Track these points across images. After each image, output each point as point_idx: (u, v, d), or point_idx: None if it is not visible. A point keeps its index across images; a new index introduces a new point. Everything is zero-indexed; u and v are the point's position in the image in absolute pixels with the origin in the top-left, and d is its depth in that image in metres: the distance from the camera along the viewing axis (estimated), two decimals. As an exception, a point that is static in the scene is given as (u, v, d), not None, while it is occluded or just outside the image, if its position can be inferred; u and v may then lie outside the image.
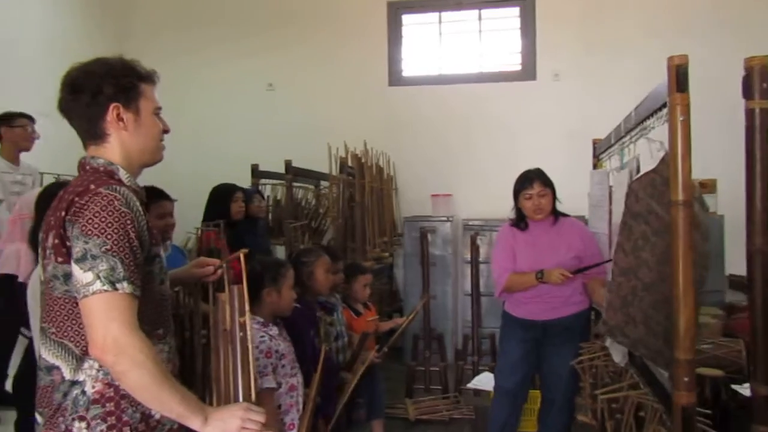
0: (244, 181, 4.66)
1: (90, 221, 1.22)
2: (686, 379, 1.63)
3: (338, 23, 6.15)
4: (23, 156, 3.47)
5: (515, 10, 5.99)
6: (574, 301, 2.95)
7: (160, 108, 1.47)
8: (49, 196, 2.57)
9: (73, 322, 1.26)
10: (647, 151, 1.95)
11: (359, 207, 4.45)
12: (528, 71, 5.95)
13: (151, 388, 1.22)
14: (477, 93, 5.96)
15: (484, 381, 3.92)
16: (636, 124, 2.19)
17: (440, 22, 6.15)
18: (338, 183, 4.27)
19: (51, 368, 1.28)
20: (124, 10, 6.41)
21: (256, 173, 4.69)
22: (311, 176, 4.88)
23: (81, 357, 1.26)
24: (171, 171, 5.70)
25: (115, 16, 6.33)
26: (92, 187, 1.27)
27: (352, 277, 3.33)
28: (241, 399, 1.43)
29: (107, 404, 1.27)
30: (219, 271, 1.66)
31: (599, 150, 3.32)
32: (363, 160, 4.63)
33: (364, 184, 4.51)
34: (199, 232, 3.17)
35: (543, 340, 3.01)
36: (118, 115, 1.37)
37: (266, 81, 6.27)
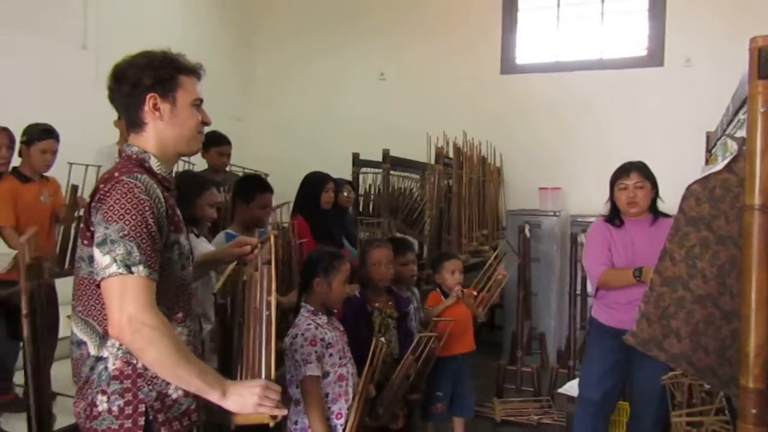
0: (346, 170, 4.77)
1: (111, 208, 1.29)
2: (754, 411, 1.41)
3: (451, 11, 6.05)
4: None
5: (643, -9, 5.52)
6: (668, 310, 2.67)
7: (200, 100, 1.51)
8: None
9: (96, 302, 1.34)
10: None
11: (456, 198, 4.36)
12: (655, 56, 5.48)
13: (167, 363, 1.27)
14: (596, 80, 5.60)
15: (576, 387, 3.70)
16: (733, 115, 1.93)
17: (558, 5, 5.83)
18: (434, 174, 4.21)
19: (80, 343, 1.38)
20: (250, 5, 6.78)
21: (357, 162, 4.75)
22: (409, 166, 4.86)
23: (103, 335, 1.34)
24: (277, 157, 6.08)
25: (241, 11, 6.72)
26: (116, 174, 1.34)
27: (439, 265, 3.28)
28: (263, 376, 1.44)
29: (125, 381, 1.34)
30: (256, 251, 1.69)
31: (711, 142, 2.97)
32: (463, 150, 4.52)
33: (461, 175, 4.40)
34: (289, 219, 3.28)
35: (633, 351, 2.75)
36: (154, 104, 1.43)
37: (378, 71, 6.34)
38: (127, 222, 1.28)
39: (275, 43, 6.72)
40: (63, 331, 3.42)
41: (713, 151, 2.90)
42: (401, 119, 5.94)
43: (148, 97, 1.43)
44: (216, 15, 6.33)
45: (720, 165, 1.57)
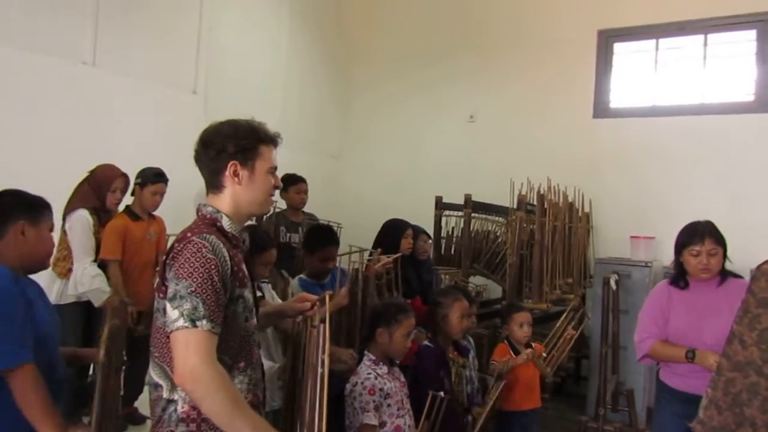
0: (430, 211, 4.85)
1: (181, 266, 1.44)
2: None
3: (545, 54, 6.03)
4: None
5: (750, 33, 5.25)
6: (745, 377, 2.50)
7: (275, 167, 1.65)
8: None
9: (170, 350, 1.47)
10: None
11: (538, 246, 4.31)
12: (763, 102, 5.17)
13: (223, 414, 1.38)
14: (696, 126, 5.35)
15: (661, 453, 3.48)
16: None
17: (657, 49, 5.66)
18: (516, 220, 4.20)
19: (156, 385, 1.53)
20: (348, 49, 7.10)
21: (440, 205, 4.81)
22: (492, 210, 4.86)
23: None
24: (367, 195, 6.25)
25: (340, 56, 7.05)
26: (188, 235, 1.49)
27: (508, 316, 3.26)
28: (315, 429, 1.52)
29: (191, 424, 1.47)
30: (315, 308, 1.80)
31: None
32: (547, 197, 4.47)
33: (544, 222, 4.35)
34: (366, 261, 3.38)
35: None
36: (234, 171, 1.57)
37: (468, 113, 6.40)
38: (194, 279, 1.41)
39: (371, 86, 6.97)
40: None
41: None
42: (488, 162, 5.96)
43: (229, 164, 1.57)
44: (317, 58, 6.69)
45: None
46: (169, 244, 3.31)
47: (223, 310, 1.47)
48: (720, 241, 2.62)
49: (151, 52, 4.83)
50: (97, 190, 3.30)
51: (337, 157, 6.90)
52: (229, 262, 1.50)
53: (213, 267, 1.44)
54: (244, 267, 1.59)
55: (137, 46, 4.70)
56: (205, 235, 1.49)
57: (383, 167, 6.64)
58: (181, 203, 3.65)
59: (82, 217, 3.20)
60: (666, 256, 5.21)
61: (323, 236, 2.97)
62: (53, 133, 4.02)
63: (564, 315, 3.52)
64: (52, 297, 3.11)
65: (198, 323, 1.39)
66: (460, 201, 4.79)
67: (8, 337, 1.61)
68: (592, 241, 5.63)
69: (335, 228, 3.41)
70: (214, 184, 1.61)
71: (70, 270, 3.18)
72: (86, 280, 3.12)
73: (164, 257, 1.53)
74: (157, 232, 3.52)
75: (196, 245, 1.45)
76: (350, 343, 2.49)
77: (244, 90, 5.62)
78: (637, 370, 5.07)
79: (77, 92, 4.22)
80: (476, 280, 4.96)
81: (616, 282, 4.59)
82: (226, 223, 1.58)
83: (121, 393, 3.31)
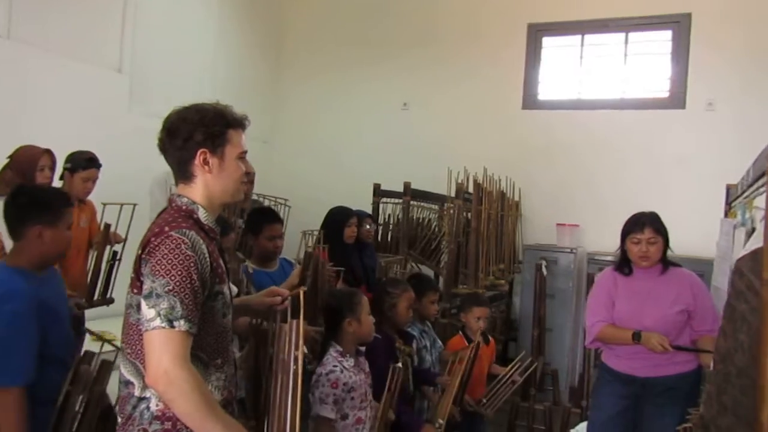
0: (367, 198, 4.86)
1: (159, 262, 1.37)
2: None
3: (476, 45, 6.14)
4: None
5: (667, 34, 5.59)
6: (680, 359, 2.71)
7: (245, 152, 1.59)
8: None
9: (143, 347, 1.40)
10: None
11: (474, 233, 4.42)
12: (677, 99, 5.53)
13: (195, 416, 1.34)
14: (617, 120, 5.65)
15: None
16: (755, 178, 1.98)
17: (582, 44, 5.91)
18: (453, 208, 4.28)
19: (127, 383, 1.46)
20: (280, 31, 6.94)
21: (378, 192, 4.83)
22: (429, 198, 4.94)
23: None
24: (300, 180, 6.16)
25: (271, 37, 6.88)
26: (166, 229, 1.42)
27: (468, 308, 3.34)
28: (287, 428, 1.50)
29: (166, 422, 1.41)
30: (286, 302, 1.76)
31: (732, 196, 3.01)
32: (483, 186, 4.59)
33: (480, 210, 4.47)
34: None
35: (643, 398, 2.80)
36: (204, 159, 1.51)
37: (402, 100, 6.44)
38: (172, 277, 1.35)
39: (304, 70, 6.84)
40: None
41: (733, 205, 2.93)
42: (423, 149, 6.02)
43: (198, 152, 1.50)
44: (249, 40, 6.49)
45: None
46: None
47: (201, 308, 1.41)
48: (660, 230, 2.78)
49: (71, 25, 4.50)
50: (23, 173, 3.03)
51: (267, 141, 6.75)
52: (208, 258, 1.44)
53: (192, 264, 1.38)
54: (221, 261, 1.53)
55: (56, 18, 4.37)
56: (183, 230, 1.42)
57: (319, 152, 6.55)
58: (104, 187, 3.43)
59: None
60: (590, 242, 5.52)
61: (266, 215, 2.94)
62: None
63: (511, 365, 3.59)
64: None
65: (175, 323, 1.34)
66: (398, 188, 4.83)
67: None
68: (521, 228, 5.84)
69: (281, 204, 3.34)
70: (183, 175, 1.53)
71: None
72: None
73: (139, 251, 1.44)
74: (89, 218, 3.31)
75: (174, 241, 1.39)
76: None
77: (171, 71, 5.37)
78: (561, 351, 5.34)
79: (-10, 67, 3.88)
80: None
81: (546, 267, 4.80)
82: (202, 215, 1.51)
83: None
